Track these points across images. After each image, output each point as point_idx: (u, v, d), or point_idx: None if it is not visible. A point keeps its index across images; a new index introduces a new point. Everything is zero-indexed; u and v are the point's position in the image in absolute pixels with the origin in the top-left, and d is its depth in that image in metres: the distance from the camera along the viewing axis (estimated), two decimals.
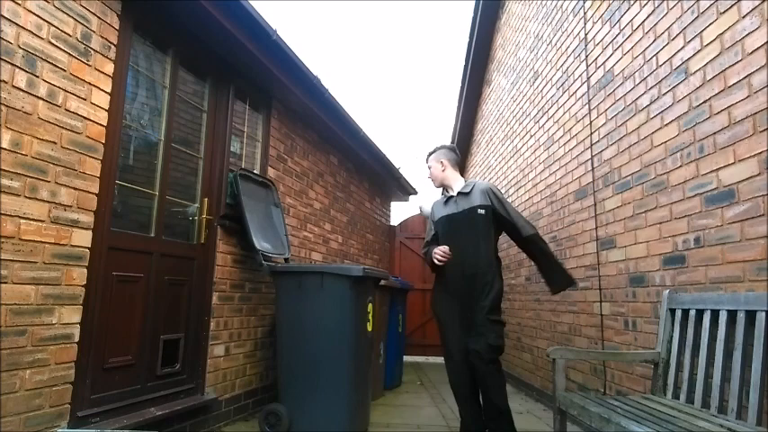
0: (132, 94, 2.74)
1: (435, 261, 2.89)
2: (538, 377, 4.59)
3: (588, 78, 3.66)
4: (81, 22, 2.27)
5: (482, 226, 2.89)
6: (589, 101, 3.63)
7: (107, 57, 2.42)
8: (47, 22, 2.10)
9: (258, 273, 3.68)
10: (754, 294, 1.96)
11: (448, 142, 3.40)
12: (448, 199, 3.08)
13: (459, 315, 2.87)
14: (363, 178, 6.45)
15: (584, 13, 3.76)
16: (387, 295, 4.65)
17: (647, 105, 2.84)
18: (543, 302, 4.53)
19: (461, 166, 8.81)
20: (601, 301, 3.36)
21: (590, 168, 3.59)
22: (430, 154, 3.21)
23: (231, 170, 3.48)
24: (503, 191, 6.12)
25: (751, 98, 2.05)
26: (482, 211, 2.90)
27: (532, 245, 2.94)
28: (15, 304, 1.96)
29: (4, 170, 1.93)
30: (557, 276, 2.94)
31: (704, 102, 2.34)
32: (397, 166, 6.83)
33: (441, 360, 5.96)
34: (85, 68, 2.29)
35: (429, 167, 3.21)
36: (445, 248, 2.86)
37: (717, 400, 2.00)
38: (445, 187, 3.18)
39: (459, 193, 3.03)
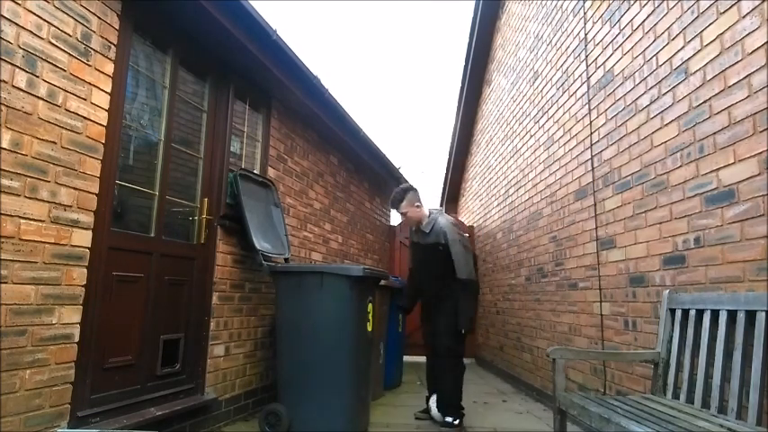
0: (132, 94, 2.74)
1: None
2: (538, 377, 4.59)
3: (588, 78, 3.66)
4: (81, 22, 2.27)
5: (439, 259, 3.52)
6: (589, 101, 3.64)
7: (107, 57, 2.42)
8: (47, 22, 2.10)
9: (258, 273, 3.68)
10: (754, 294, 1.96)
11: (407, 184, 3.93)
12: (418, 230, 3.73)
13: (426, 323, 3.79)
14: (363, 178, 6.45)
15: (584, 13, 3.76)
16: (387, 295, 4.65)
17: (647, 105, 2.84)
18: (543, 302, 4.53)
19: (461, 169, 8.90)
20: (601, 301, 3.36)
21: (590, 168, 3.59)
22: (400, 201, 3.67)
23: (231, 170, 3.47)
24: (503, 191, 6.13)
25: (751, 98, 2.05)
26: (440, 248, 3.52)
27: (460, 288, 3.44)
28: (15, 304, 1.96)
29: (4, 170, 1.92)
30: (461, 318, 3.41)
31: (704, 102, 2.34)
32: (397, 166, 6.83)
33: None
34: (85, 68, 2.29)
35: (405, 213, 3.69)
36: None
37: (717, 400, 2.00)
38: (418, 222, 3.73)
39: (423, 229, 3.65)
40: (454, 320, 3.42)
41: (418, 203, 3.68)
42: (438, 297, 3.55)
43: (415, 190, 3.74)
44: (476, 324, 7.13)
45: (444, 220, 3.60)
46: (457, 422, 3.39)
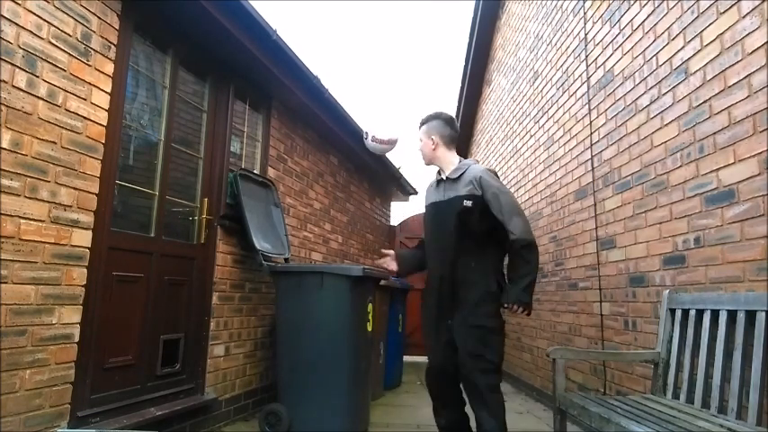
0: (132, 94, 2.74)
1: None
2: (538, 377, 4.59)
3: (588, 78, 3.66)
4: (81, 22, 2.27)
5: (466, 221, 2.37)
6: (589, 101, 3.63)
7: (107, 57, 2.42)
8: (47, 22, 2.10)
9: (258, 273, 3.68)
10: (754, 294, 1.96)
11: (445, 111, 2.70)
12: (439, 182, 2.59)
13: (438, 326, 2.46)
14: (363, 178, 6.44)
15: (584, 13, 3.76)
16: (387, 295, 4.64)
17: (647, 105, 2.84)
18: (543, 302, 4.53)
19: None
20: (601, 301, 3.36)
21: (590, 168, 3.59)
22: (422, 123, 2.66)
23: (231, 170, 3.47)
24: None
25: (751, 98, 2.05)
26: (468, 203, 2.37)
27: (515, 252, 2.34)
28: (15, 304, 1.96)
29: (4, 170, 1.92)
30: (513, 290, 2.31)
31: (704, 102, 2.34)
32: (397, 166, 6.83)
33: None
34: (85, 68, 2.29)
35: (420, 140, 2.66)
36: (385, 261, 2.70)
37: (717, 400, 2.00)
38: (438, 168, 2.63)
39: (448, 178, 2.52)
40: (493, 322, 2.33)
41: (435, 137, 2.59)
42: (464, 282, 2.37)
43: (447, 120, 2.63)
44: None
45: (480, 167, 2.55)
46: None
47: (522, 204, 5.23)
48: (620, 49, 3.17)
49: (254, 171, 3.82)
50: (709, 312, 2.18)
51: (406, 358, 5.61)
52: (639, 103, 2.93)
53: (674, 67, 2.60)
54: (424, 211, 2.72)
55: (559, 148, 4.22)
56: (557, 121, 4.31)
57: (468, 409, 2.43)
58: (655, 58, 2.78)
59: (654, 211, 2.75)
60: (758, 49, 2.01)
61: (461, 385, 2.44)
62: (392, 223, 8.16)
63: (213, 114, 3.40)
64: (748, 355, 1.91)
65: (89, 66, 2.31)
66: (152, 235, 2.84)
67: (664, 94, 2.68)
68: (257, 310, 3.77)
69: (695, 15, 2.42)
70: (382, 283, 4.10)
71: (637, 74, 2.96)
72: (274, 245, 3.67)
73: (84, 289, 2.27)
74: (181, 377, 2.99)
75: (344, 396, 3.07)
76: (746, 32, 2.08)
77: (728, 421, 1.87)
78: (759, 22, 2.02)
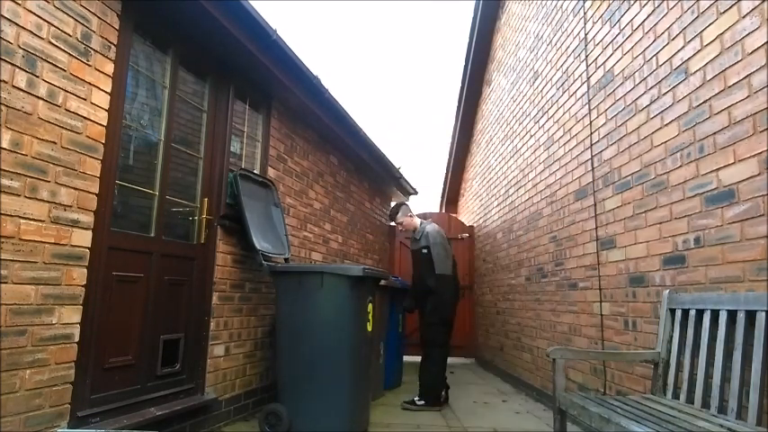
0: (132, 94, 2.74)
1: None
2: (538, 377, 4.59)
3: (588, 78, 3.66)
4: (81, 22, 2.27)
5: (423, 260, 4.27)
6: (589, 101, 3.64)
7: (107, 57, 2.42)
8: (47, 22, 2.10)
9: (258, 273, 3.68)
10: (754, 294, 1.96)
11: (398, 201, 4.96)
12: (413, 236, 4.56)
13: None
14: (363, 178, 6.44)
15: (584, 13, 3.76)
16: (387, 295, 4.64)
17: (647, 105, 2.84)
18: (543, 302, 4.53)
19: (461, 169, 8.88)
20: (601, 301, 3.36)
21: (590, 168, 3.59)
22: (395, 214, 4.62)
23: (231, 170, 3.47)
24: (503, 191, 6.12)
25: (751, 98, 2.05)
26: (425, 251, 4.26)
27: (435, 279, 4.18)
28: (15, 304, 1.96)
29: (4, 170, 1.93)
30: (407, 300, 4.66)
31: (704, 102, 2.34)
32: (397, 166, 6.83)
33: None
34: (85, 68, 2.29)
35: (401, 222, 4.56)
36: None
37: (717, 400, 2.00)
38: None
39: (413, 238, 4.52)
40: (431, 314, 4.17)
41: (410, 214, 4.60)
42: (423, 294, 4.30)
43: (407, 204, 4.72)
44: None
45: (431, 227, 4.35)
46: (421, 403, 4.07)
47: (522, 204, 5.26)
48: (620, 49, 3.18)
49: (254, 171, 3.82)
50: (709, 312, 2.18)
51: (406, 358, 5.61)
52: (639, 103, 2.93)
53: (674, 67, 2.60)
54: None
55: (559, 148, 4.22)
56: (557, 121, 4.31)
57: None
58: (655, 58, 2.78)
59: (654, 211, 2.75)
60: (758, 49, 2.02)
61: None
62: (392, 223, 8.16)
63: (213, 114, 3.40)
64: (748, 355, 1.91)
65: (89, 66, 2.31)
66: (152, 235, 2.84)
67: (664, 94, 2.69)
68: (257, 310, 3.77)
69: (695, 15, 2.42)
70: (382, 283, 4.10)
71: (637, 74, 2.97)
72: (274, 245, 3.67)
73: (84, 289, 2.27)
74: (181, 377, 2.99)
75: (344, 396, 3.07)
76: (746, 32, 2.08)
77: (728, 421, 1.87)
78: (759, 22, 2.02)
